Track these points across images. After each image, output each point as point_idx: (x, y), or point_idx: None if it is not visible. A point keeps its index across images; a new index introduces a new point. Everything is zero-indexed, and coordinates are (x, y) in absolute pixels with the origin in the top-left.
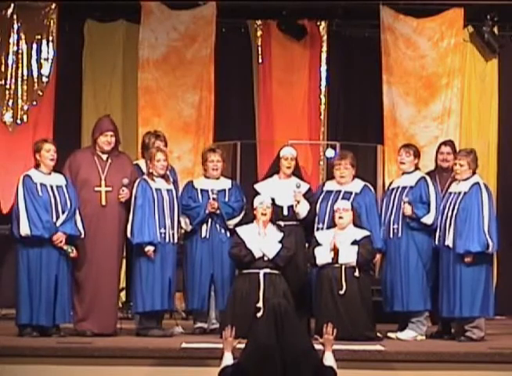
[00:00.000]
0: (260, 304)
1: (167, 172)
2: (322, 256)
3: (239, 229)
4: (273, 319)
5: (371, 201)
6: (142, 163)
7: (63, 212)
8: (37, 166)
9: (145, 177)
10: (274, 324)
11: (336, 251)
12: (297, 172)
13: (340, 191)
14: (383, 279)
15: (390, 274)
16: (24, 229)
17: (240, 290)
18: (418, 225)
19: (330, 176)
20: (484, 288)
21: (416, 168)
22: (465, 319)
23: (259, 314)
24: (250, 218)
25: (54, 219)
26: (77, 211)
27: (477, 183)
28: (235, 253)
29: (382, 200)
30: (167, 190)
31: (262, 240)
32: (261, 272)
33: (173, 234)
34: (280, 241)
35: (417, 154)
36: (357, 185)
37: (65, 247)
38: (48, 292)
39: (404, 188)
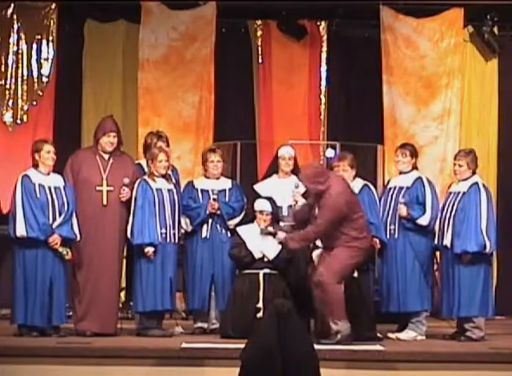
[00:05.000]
0: (260, 304)
1: (169, 172)
2: None
3: (239, 229)
4: (276, 320)
5: (371, 200)
6: (144, 162)
7: (60, 214)
8: (35, 166)
9: (145, 177)
10: (277, 325)
11: None
12: (296, 172)
13: None
14: (380, 279)
15: (387, 275)
16: (20, 231)
17: (240, 290)
18: (414, 226)
19: None
20: (483, 288)
21: (414, 167)
22: (464, 319)
23: (259, 314)
24: (250, 218)
25: (51, 221)
26: (74, 214)
27: (476, 183)
28: (235, 254)
29: (380, 199)
30: (168, 190)
31: (262, 241)
32: (261, 272)
33: (174, 234)
34: (280, 242)
35: (414, 154)
36: (356, 185)
37: (60, 250)
38: (43, 293)
39: (401, 188)
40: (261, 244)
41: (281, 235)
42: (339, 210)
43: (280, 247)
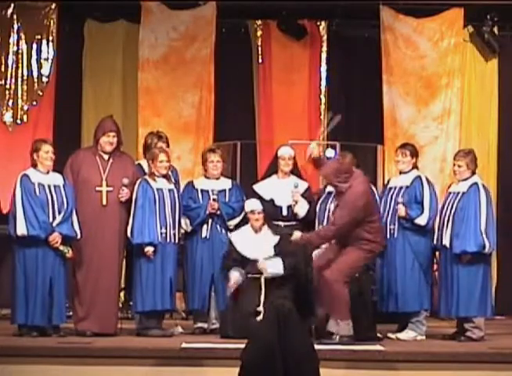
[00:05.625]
0: (260, 308)
1: (169, 172)
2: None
3: (233, 237)
4: (276, 320)
5: None
6: (144, 163)
7: (60, 212)
8: (34, 165)
9: (146, 177)
10: (277, 325)
11: None
12: (295, 172)
13: None
14: (379, 279)
15: (386, 275)
16: (21, 229)
17: (242, 292)
18: (412, 226)
19: None
20: (482, 288)
21: (414, 166)
22: (463, 319)
23: (259, 318)
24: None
25: (51, 219)
26: (74, 212)
27: (476, 183)
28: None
29: (380, 199)
30: (169, 190)
31: (260, 252)
32: (263, 277)
33: (174, 234)
34: (277, 245)
35: (414, 153)
36: None
37: (61, 248)
38: (43, 292)
39: (400, 188)
40: (261, 258)
41: (297, 234)
42: (358, 211)
43: (282, 265)
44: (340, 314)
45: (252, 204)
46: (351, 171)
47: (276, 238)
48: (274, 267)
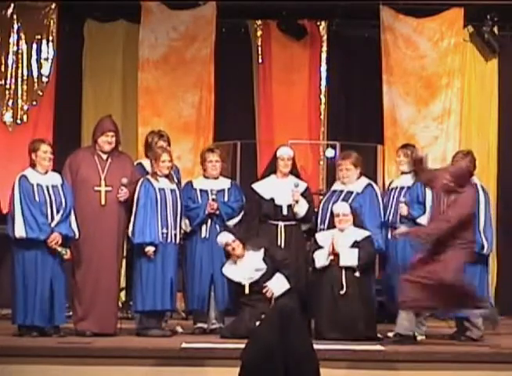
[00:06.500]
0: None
1: (171, 172)
2: (321, 260)
3: (225, 272)
4: (278, 320)
5: (372, 201)
6: (145, 162)
7: (58, 212)
8: (33, 165)
9: (148, 177)
10: (278, 324)
11: (335, 255)
12: (294, 172)
13: (342, 191)
14: (383, 279)
15: (388, 275)
16: (19, 232)
17: (250, 301)
18: (414, 226)
19: (331, 176)
20: (479, 288)
21: None
22: (462, 319)
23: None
24: (249, 218)
25: (49, 220)
26: (72, 212)
27: (475, 185)
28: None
29: (382, 199)
30: (171, 190)
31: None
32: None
33: (175, 234)
34: (264, 257)
35: None
36: (360, 184)
37: (59, 249)
38: (43, 293)
39: (402, 188)
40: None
41: (403, 228)
42: (472, 208)
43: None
44: (471, 303)
45: (224, 238)
46: (471, 180)
47: (261, 252)
48: (279, 287)
